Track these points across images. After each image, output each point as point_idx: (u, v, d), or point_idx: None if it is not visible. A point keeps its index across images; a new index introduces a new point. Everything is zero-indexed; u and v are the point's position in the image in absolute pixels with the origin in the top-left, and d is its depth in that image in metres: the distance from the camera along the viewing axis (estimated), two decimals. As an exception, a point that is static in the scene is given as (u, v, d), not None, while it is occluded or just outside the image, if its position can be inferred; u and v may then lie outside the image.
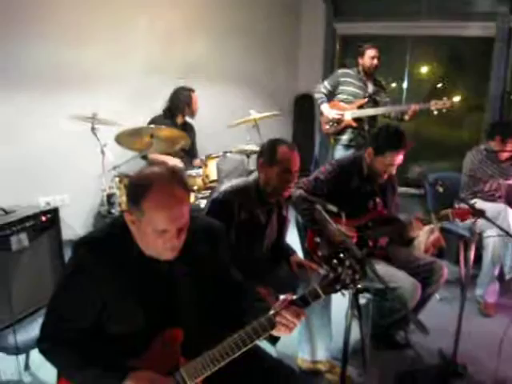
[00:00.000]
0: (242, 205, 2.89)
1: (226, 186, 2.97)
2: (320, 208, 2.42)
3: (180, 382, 1.83)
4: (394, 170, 3.36)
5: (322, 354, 3.12)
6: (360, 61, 5.43)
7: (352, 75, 5.47)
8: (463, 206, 3.32)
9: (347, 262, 1.82)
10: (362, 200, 3.42)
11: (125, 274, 1.83)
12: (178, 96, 5.11)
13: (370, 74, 5.45)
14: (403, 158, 3.33)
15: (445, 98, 4.93)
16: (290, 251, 3.31)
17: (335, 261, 1.81)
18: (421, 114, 5.30)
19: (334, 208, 2.58)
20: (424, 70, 7.67)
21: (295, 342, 3.20)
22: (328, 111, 5.47)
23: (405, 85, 7.48)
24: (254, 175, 3.04)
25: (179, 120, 5.16)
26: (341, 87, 5.51)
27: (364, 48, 5.39)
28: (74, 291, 1.84)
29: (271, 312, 1.89)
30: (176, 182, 1.79)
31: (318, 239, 3.32)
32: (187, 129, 5.23)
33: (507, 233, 3.03)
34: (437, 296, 4.22)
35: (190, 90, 5.15)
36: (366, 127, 5.42)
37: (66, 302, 1.87)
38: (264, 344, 2.61)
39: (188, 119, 5.26)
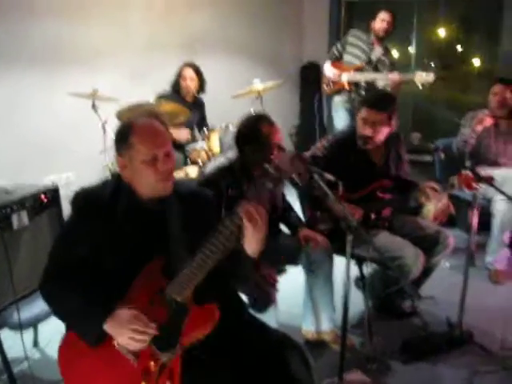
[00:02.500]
0: (229, 183, 2.91)
1: (209, 167, 3.02)
2: (317, 177, 2.44)
3: (167, 301, 1.93)
4: (368, 131, 3.31)
5: (326, 325, 3.18)
6: (372, 24, 5.43)
7: (362, 38, 5.49)
8: (469, 173, 3.32)
9: (290, 160, 1.91)
10: (362, 172, 3.41)
11: (118, 219, 2.00)
12: (177, 73, 5.15)
13: (380, 39, 5.42)
14: (390, 126, 3.34)
15: (430, 72, 4.92)
16: (297, 223, 3.35)
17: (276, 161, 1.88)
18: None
19: (331, 177, 2.60)
20: (433, 33, 7.58)
21: (299, 313, 3.26)
22: (327, 69, 5.53)
23: (412, 49, 7.39)
24: (233, 151, 3.10)
25: (187, 97, 5.18)
26: (348, 48, 5.54)
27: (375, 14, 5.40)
28: (70, 233, 2.07)
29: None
30: (157, 120, 2.03)
31: (318, 213, 3.34)
32: (196, 105, 5.27)
33: (510, 197, 3.04)
34: (447, 264, 4.27)
35: (184, 66, 5.15)
36: (363, 93, 5.40)
37: (63, 243, 2.08)
38: (267, 318, 2.72)
39: (198, 95, 5.28)
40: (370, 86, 5.41)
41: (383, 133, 3.34)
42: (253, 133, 2.96)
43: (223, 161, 3.08)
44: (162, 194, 2.02)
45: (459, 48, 7.53)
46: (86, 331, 1.92)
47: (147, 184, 1.99)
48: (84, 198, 2.07)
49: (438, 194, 3.39)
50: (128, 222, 2.00)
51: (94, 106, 4.40)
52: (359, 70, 5.39)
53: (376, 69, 5.41)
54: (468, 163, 3.33)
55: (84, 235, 2.00)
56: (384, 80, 5.26)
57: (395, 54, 7.53)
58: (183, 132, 5.00)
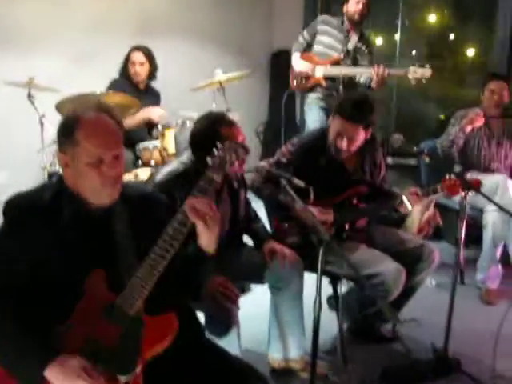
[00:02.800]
0: (185, 190, 2.89)
1: (160, 175, 2.99)
2: (285, 183, 2.48)
3: (119, 315, 1.94)
4: (343, 144, 3.34)
5: (294, 352, 3.19)
6: (345, 7, 5.27)
7: (333, 24, 5.33)
8: (454, 177, 3.39)
9: (227, 144, 2.11)
10: (334, 179, 3.45)
11: (59, 229, 1.98)
12: (125, 57, 5.17)
13: (354, 24, 5.27)
14: (365, 135, 3.38)
15: (427, 66, 4.84)
16: (263, 236, 3.36)
17: (215, 150, 2.10)
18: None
19: (300, 183, 2.64)
20: (421, 19, 7.62)
21: (265, 338, 3.27)
22: (297, 62, 5.43)
23: (397, 37, 7.29)
24: (187, 155, 3.08)
25: (140, 84, 5.22)
26: (318, 37, 5.39)
27: None
28: (3, 248, 2.01)
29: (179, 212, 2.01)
30: (108, 115, 2.01)
31: (285, 224, 3.38)
32: (149, 94, 5.32)
33: (502, 208, 3.13)
34: (433, 282, 4.35)
35: (133, 50, 5.18)
36: (341, 89, 5.28)
37: None
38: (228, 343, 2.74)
39: (152, 83, 5.34)
40: (350, 80, 5.33)
41: (359, 142, 3.39)
42: (210, 137, 2.85)
43: (176, 166, 3.04)
44: (107, 200, 2.02)
45: (451, 36, 7.58)
46: (22, 374, 1.85)
47: (91, 188, 1.99)
48: (18, 206, 2.03)
49: (420, 201, 3.46)
50: (71, 230, 1.99)
51: (30, 97, 4.39)
52: (336, 63, 5.28)
53: (355, 60, 5.34)
54: (457, 168, 3.41)
55: (20, 249, 1.97)
56: (367, 74, 5.15)
57: (379, 42, 7.60)
58: (156, 110, 5.08)
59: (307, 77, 5.40)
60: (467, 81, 7.50)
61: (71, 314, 1.95)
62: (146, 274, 1.92)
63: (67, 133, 1.95)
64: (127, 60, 5.17)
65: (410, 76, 4.85)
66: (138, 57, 5.15)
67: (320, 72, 5.31)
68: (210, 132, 2.93)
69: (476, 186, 3.25)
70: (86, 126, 1.94)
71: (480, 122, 4.48)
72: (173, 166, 3.07)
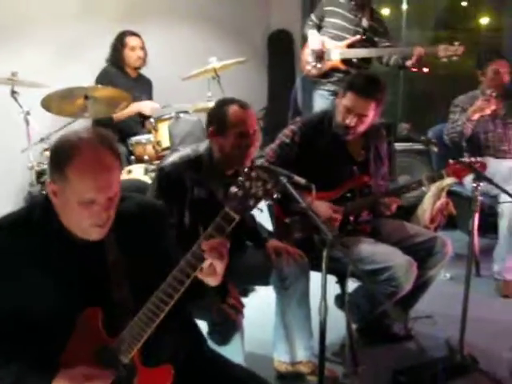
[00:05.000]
0: (195, 180, 2.96)
1: (173, 157, 3.04)
2: (285, 181, 2.52)
3: (112, 362, 1.94)
4: (353, 121, 3.38)
5: (302, 354, 3.22)
6: None
7: (341, 4, 5.28)
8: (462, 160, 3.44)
9: (253, 174, 1.90)
10: (335, 166, 3.50)
11: (48, 258, 1.94)
12: (114, 43, 5.23)
13: (364, 4, 5.26)
14: (374, 116, 3.42)
15: (456, 43, 4.77)
16: (265, 235, 3.39)
17: (240, 178, 1.90)
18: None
19: (301, 180, 2.68)
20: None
21: (270, 339, 3.31)
22: (314, 39, 5.32)
23: (404, 7, 7.31)
24: (205, 144, 3.12)
25: (131, 72, 5.28)
26: (326, 19, 5.35)
27: None
28: None
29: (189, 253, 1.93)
30: (104, 147, 1.90)
31: (288, 220, 3.42)
32: (140, 83, 5.39)
33: (509, 194, 3.18)
34: (447, 275, 4.38)
35: (128, 34, 5.23)
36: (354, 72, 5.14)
37: None
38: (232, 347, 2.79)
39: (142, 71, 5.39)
40: (363, 63, 5.28)
41: (368, 121, 3.43)
42: (218, 111, 3.02)
43: (188, 151, 3.08)
44: (96, 238, 1.97)
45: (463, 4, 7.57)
46: None
47: (79, 225, 1.94)
48: (5, 235, 1.96)
49: (432, 192, 3.50)
50: (61, 261, 1.95)
51: (13, 93, 4.41)
52: (353, 45, 5.21)
53: (369, 41, 5.28)
54: (466, 157, 3.44)
55: (5, 280, 1.93)
56: (399, 54, 5.12)
57: (384, 13, 7.45)
58: (147, 104, 5.16)
59: (322, 60, 5.31)
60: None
61: (62, 351, 1.95)
62: (147, 319, 1.90)
63: (58, 166, 1.88)
64: (121, 46, 5.21)
65: (442, 54, 4.80)
66: (137, 41, 5.23)
67: (337, 55, 5.24)
68: (221, 106, 3.03)
69: (481, 169, 3.30)
70: (80, 164, 1.85)
71: (491, 108, 4.52)
72: (186, 150, 3.10)
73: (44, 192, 4.51)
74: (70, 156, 1.85)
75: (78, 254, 1.98)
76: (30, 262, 1.93)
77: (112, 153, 1.92)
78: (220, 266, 1.89)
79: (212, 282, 1.96)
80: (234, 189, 1.87)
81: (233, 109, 2.98)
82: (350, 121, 3.37)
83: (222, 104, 3.05)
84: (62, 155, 1.88)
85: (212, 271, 1.90)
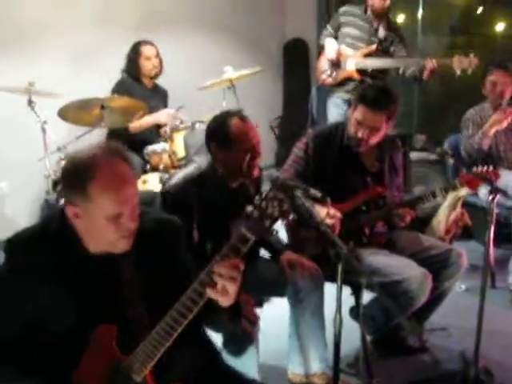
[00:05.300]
0: (200, 197, 2.97)
1: (176, 179, 3.03)
2: (300, 194, 2.53)
3: (124, 381, 1.96)
4: (364, 134, 3.39)
5: (316, 366, 3.22)
6: (369, 1, 5.29)
7: (356, 14, 5.36)
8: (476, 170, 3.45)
9: (270, 194, 1.90)
10: (348, 177, 3.52)
11: (64, 274, 1.96)
12: (129, 53, 5.26)
13: (380, 16, 5.30)
14: (387, 128, 3.43)
15: (471, 55, 4.71)
16: (280, 247, 3.40)
17: (257, 197, 1.90)
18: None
19: (317, 193, 2.68)
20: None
21: (284, 349, 3.31)
22: (331, 48, 5.36)
23: (419, 13, 7.25)
24: (206, 159, 3.14)
25: (146, 82, 5.31)
26: (342, 29, 5.41)
27: None
28: (8, 297, 1.99)
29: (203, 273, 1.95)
30: (119, 159, 1.95)
31: (303, 233, 3.43)
32: (156, 93, 5.41)
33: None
34: (462, 287, 4.37)
35: (143, 44, 5.25)
36: (369, 81, 5.22)
37: None
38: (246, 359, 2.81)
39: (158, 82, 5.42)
40: (379, 73, 5.31)
41: (381, 134, 3.44)
42: (221, 132, 3.03)
43: (191, 170, 3.11)
44: (121, 250, 2.01)
45: (479, 10, 7.49)
46: None
47: (105, 241, 1.97)
48: (22, 250, 2.00)
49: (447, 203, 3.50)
50: (76, 277, 1.98)
51: (30, 103, 4.44)
52: (369, 54, 5.25)
53: (386, 51, 5.30)
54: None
55: (20, 296, 1.96)
56: (414, 65, 5.11)
57: (400, 19, 7.48)
58: (163, 112, 5.16)
59: (338, 69, 5.36)
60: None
61: (75, 368, 1.97)
62: (161, 338, 1.92)
63: (78, 185, 1.89)
64: (136, 56, 5.23)
65: (456, 66, 4.73)
66: (152, 50, 5.25)
67: (352, 64, 5.27)
68: (221, 121, 3.04)
69: (494, 178, 3.32)
70: (101, 179, 1.87)
71: (508, 119, 4.53)
72: (188, 169, 3.12)
73: (60, 204, 4.57)
74: (89, 174, 1.87)
75: (93, 270, 2.00)
76: (45, 278, 1.95)
77: (127, 164, 1.97)
78: (232, 288, 1.89)
79: (224, 302, 1.94)
80: (249, 209, 1.87)
81: (234, 123, 3.00)
82: (362, 133, 3.38)
83: (222, 119, 3.07)
84: (81, 175, 1.89)
85: (224, 292, 1.89)
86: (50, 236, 2.01)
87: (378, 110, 3.35)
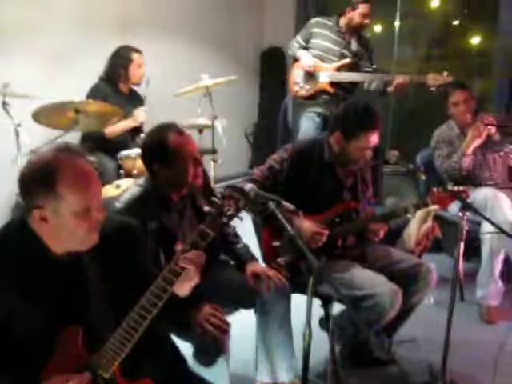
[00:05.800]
0: (145, 216, 2.90)
1: (119, 203, 2.96)
2: (273, 207, 2.55)
3: (94, 378, 1.98)
4: (369, 155, 3.49)
5: (284, 375, 3.22)
6: (348, 13, 5.37)
7: (328, 26, 5.44)
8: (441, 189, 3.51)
9: (226, 191, 2.09)
10: (325, 192, 3.55)
11: (28, 278, 2.00)
12: (116, 58, 5.23)
13: (354, 31, 5.43)
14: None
15: (445, 73, 4.91)
16: (246, 257, 3.40)
17: (214, 198, 2.09)
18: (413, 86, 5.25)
19: (290, 206, 2.70)
20: (421, 4, 7.54)
21: (253, 361, 3.32)
22: (307, 60, 5.41)
23: (396, 23, 7.23)
24: (142, 178, 3.16)
25: (124, 88, 5.30)
26: (313, 40, 5.48)
27: (356, 1, 5.30)
28: None
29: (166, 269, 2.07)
30: (80, 157, 2.03)
31: (276, 243, 3.44)
32: (133, 99, 5.39)
33: (492, 223, 3.32)
34: (431, 299, 4.40)
35: (133, 51, 5.25)
36: (341, 95, 5.40)
37: None
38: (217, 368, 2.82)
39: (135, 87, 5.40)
40: (350, 86, 5.44)
41: None
42: (159, 147, 3.01)
43: (131, 191, 3.07)
44: (90, 245, 2.05)
45: (455, 23, 7.58)
46: None
47: (74, 238, 2.01)
48: None
49: (418, 216, 3.55)
50: (39, 280, 2.01)
51: (4, 105, 4.39)
52: (340, 68, 5.35)
53: (356, 65, 5.41)
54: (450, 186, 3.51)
55: None
56: (380, 80, 5.25)
57: (377, 29, 7.55)
58: (138, 113, 5.19)
59: (311, 81, 5.42)
60: (473, 73, 7.51)
61: (44, 367, 1.99)
62: (127, 333, 1.97)
63: (45, 187, 1.92)
64: (128, 61, 5.22)
65: (431, 83, 4.90)
66: (142, 58, 5.28)
67: (325, 77, 5.34)
68: (159, 140, 3.02)
69: (464, 197, 3.38)
70: (68, 177, 1.93)
71: (484, 134, 4.60)
72: (130, 192, 3.09)
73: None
74: (56, 174, 1.92)
75: (57, 272, 2.04)
76: (7, 282, 1.98)
77: (88, 161, 2.07)
78: (194, 274, 2.04)
79: (181, 291, 2.08)
80: (207, 208, 2.08)
81: (173, 139, 2.99)
82: (368, 154, 3.48)
83: (158, 135, 3.06)
84: (48, 176, 1.92)
85: (188, 277, 2.04)
86: (11, 241, 2.04)
87: (377, 128, 3.43)
